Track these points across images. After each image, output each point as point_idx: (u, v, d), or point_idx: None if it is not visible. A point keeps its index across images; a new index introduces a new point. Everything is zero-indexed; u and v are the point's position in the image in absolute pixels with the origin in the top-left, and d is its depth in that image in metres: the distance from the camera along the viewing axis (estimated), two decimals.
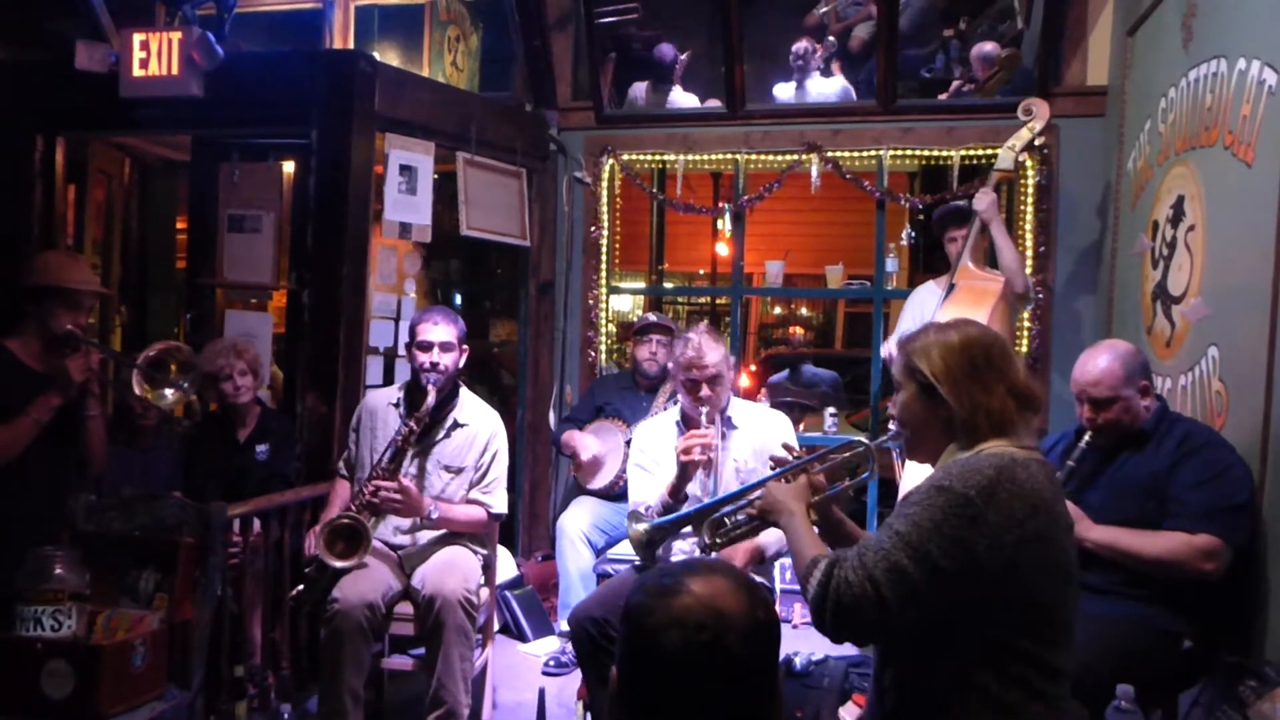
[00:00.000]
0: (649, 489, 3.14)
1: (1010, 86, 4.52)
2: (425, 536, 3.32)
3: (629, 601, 1.21)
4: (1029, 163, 4.55)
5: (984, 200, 3.90)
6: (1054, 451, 2.82)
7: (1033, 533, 1.65)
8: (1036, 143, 3.91)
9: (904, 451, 1.97)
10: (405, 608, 3.21)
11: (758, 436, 3.17)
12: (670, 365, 4.03)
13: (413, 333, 3.32)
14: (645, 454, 3.25)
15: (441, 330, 3.25)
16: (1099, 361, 2.65)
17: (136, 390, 3.13)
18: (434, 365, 3.23)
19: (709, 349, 3.08)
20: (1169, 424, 2.66)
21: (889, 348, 4.25)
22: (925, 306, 4.19)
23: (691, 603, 1.16)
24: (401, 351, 4.11)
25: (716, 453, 2.98)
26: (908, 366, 1.88)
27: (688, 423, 3.18)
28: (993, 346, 1.84)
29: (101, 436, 3.21)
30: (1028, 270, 4.57)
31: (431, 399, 3.20)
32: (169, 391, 3.17)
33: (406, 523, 3.30)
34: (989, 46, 4.70)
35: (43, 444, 3.05)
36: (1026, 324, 4.57)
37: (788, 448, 2.33)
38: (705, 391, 3.07)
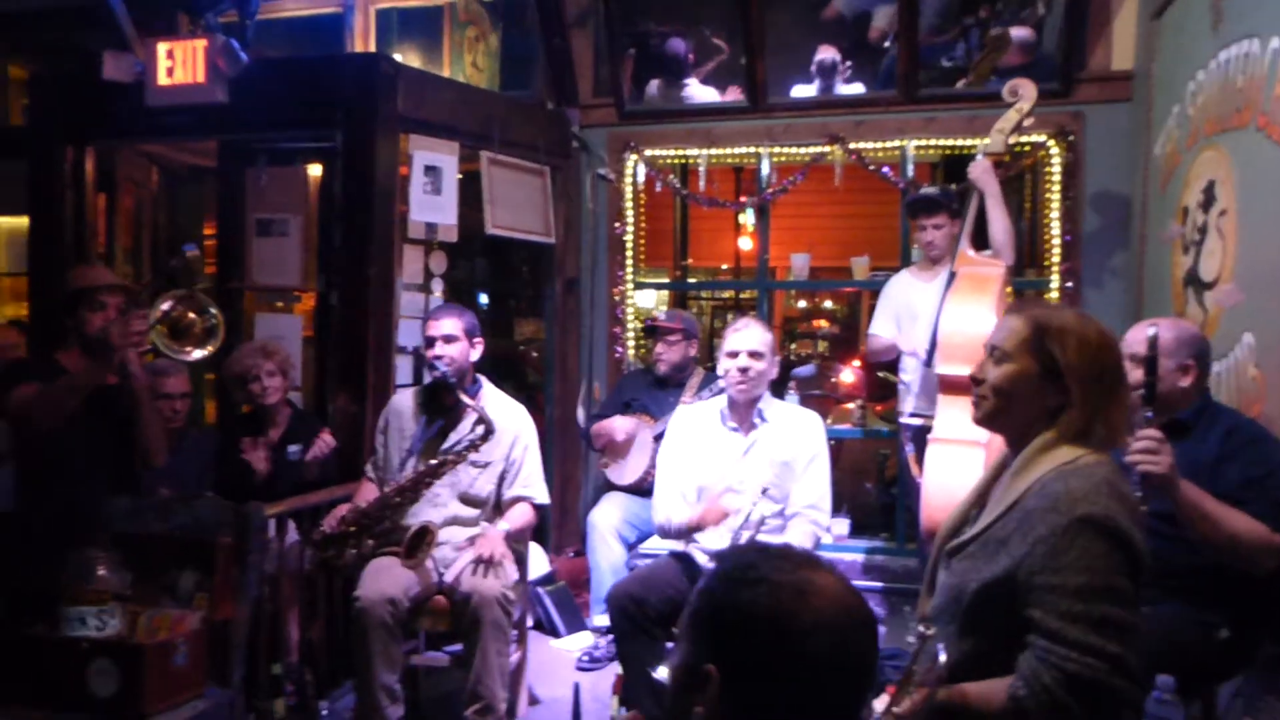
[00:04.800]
0: (673, 499, 3.25)
1: (1035, 73, 4.48)
2: (459, 535, 3.35)
3: (756, 605, 1.14)
4: (1055, 150, 4.52)
5: (979, 167, 3.80)
6: None
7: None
8: (1026, 124, 3.86)
9: (979, 417, 1.87)
10: (438, 603, 3.24)
11: (791, 434, 3.25)
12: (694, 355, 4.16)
13: (424, 334, 3.41)
14: (678, 444, 3.32)
15: (445, 324, 3.34)
16: (1151, 326, 2.56)
17: (160, 345, 3.18)
18: (438, 358, 3.30)
19: (756, 329, 3.25)
20: (1211, 416, 2.58)
21: (883, 340, 4.21)
22: (908, 298, 4.13)
23: (829, 605, 1.14)
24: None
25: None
26: (1036, 343, 1.77)
27: (733, 409, 3.28)
28: (1120, 357, 1.79)
29: (158, 422, 3.23)
30: (1054, 257, 4.55)
31: (465, 430, 3.31)
32: (195, 350, 3.22)
33: (439, 515, 3.33)
34: (1024, 31, 4.64)
35: (93, 448, 3.10)
36: None
37: None
38: (748, 363, 3.18)
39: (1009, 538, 1.70)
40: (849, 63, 5.02)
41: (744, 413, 3.26)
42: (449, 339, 3.32)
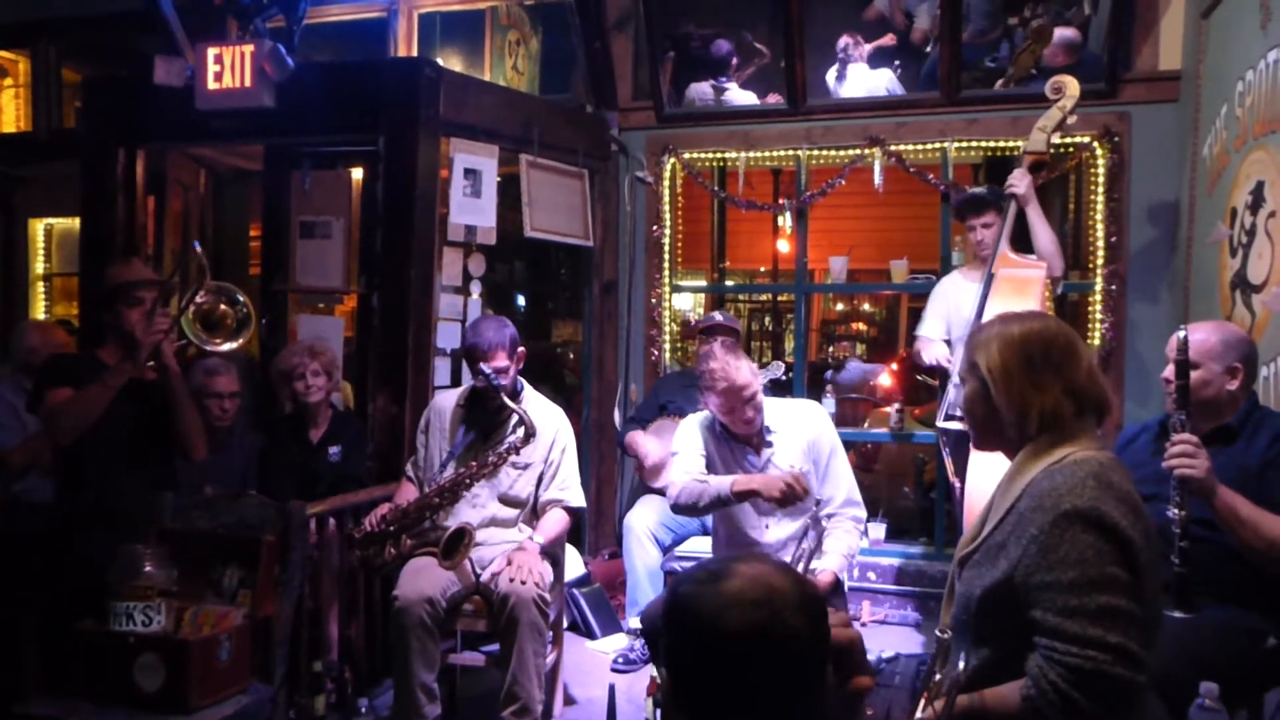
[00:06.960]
0: (693, 461, 3.17)
1: (1080, 73, 4.42)
2: (497, 535, 3.37)
3: (676, 596, 1.22)
4: (1100, 151, 4.46)
5: (1021, 183, 3.77)
6: (1136, 442, 2.75)
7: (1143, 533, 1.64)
8: (1069, 122, 3.81)
9: (974, 443, 1.93)
10: (476, 604, 3.26)
11: (800, 433, 3.20)
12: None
13: (468, 354, 3.37)
14: (693, 436, 3.27)
15: (496, 356, 3.28)
16: (1198, 329, 2.55)
17: (191, 337, 3.19)
18: (496, 387, 3.29)
19: (736, 369, 3.04)
20: (1258, 420, 2.54)
21: (932, 347, 4.17)
22: (957, 299, 4.09)
23: (743, 583, 1.17)
24: None
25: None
26: (969, 360, 1.85)
27: (731, 435, 3.20)
28: (1054, 342, 1.77)
29: (195, 420, 3.24)
30: (1099, 260, 4.49)
31: (507, 433, 3.35)
32: (227, 342, 3.24)
33: (477, 516, 3.36)
34: (1068, 32, 4.58)
35: (135, 445, 3.15)
36: (1098, 316, 4.47)
37: None
38: (749, 414, 3.09)
39: (1006, 541, 1.73)
40: (859, 41, 4.95)
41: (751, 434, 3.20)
42: (501, 371, 3.30)
